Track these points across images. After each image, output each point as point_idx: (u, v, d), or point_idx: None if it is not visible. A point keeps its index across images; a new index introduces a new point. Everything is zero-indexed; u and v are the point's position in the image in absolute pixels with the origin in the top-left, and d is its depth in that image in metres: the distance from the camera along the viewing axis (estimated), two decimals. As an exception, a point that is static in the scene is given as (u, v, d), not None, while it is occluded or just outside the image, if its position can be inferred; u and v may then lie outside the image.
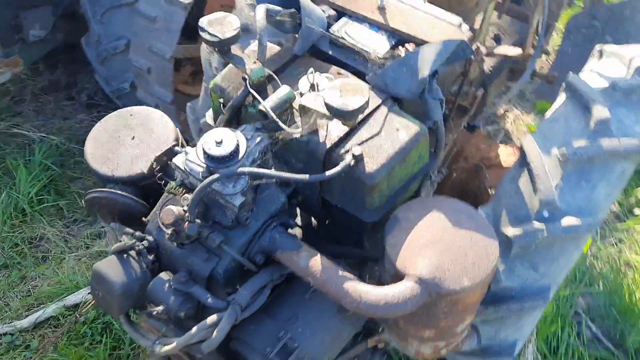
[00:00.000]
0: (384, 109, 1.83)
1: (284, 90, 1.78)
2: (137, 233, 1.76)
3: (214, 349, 1.61)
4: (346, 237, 2.00)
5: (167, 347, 1.64)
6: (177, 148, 1.90)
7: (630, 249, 3.57)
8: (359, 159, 1.69)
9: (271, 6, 1.97)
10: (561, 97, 2.25)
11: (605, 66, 2.32)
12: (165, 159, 1.87)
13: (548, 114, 2.27)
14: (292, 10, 1.98)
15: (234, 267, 1.70)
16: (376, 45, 1.99)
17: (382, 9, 2.07)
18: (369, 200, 1.77)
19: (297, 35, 2.02)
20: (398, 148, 1.75)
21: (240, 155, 1.63)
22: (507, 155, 2.76)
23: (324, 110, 1.64)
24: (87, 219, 3.55)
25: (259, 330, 1.72)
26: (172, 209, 1.61)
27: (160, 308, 1.64)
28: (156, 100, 3.41)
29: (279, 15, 1.96)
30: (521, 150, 2.18)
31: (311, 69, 1.87)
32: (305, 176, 1.66)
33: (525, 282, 2.06)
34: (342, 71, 1.95)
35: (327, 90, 1.64)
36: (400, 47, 1.98)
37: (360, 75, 1.93)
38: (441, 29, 2.04)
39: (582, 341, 3.11)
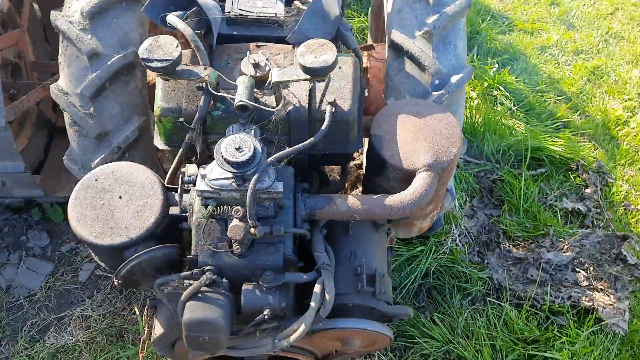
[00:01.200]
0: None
1: (244, 80, 1.88)
2: (194, 271, 1.79)
3: (329, 312, 1.84)
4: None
5: (295, 335, 1.80)
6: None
7: None
8: (334, 104, 1.96)
9: (177, 13, 1.97)
10: None
11: None
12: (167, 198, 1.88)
13: (389, 8, 2.73)
14: (194, 8, 2.01)
15: (294, 244, 1.89)
16: (272, 8, 2.15)
17: None
18: (352, 134, 2.07)
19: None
20: (351, 80, 2.04)
21: (260, 151, 1.76)
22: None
23: (303, 76, 1.83)
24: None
25: (338, 279, 1.97)
26: (238, 225, 1.71)
27: (267, 312, 1.77)
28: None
29: (185, 18, 1.97)
30: (392, 44, 2.63)
31: (247, 53, 1.99)
32: (312, 139, 1.87)
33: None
34: (260, 44, 2.10)
35: (298, 52, 1.78)
36: (293, 1, 2.18)
37: (278, 40, 2.10)
38: None
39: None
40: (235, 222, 1.71)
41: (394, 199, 1.91)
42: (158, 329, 2.18)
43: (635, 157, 4.07)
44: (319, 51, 1.79)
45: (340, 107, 1.97)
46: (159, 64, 1.77)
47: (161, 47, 1.78)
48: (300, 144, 1.83)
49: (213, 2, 2.10)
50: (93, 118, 2.51)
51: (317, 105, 1.97)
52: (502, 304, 3.10)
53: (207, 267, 1.79)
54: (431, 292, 3.21)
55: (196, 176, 1.80)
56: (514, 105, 4.23)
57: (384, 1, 2.80)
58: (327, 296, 1.80)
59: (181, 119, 1.95)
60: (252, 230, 1.72)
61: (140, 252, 1.77)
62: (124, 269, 1.79)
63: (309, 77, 1.81)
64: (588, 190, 3.80)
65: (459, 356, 2.94)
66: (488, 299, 3.18)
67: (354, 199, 1.93)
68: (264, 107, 1.85)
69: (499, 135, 3.91)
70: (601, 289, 3.27)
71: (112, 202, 1.85)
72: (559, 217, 3.62)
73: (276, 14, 2.13)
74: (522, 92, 4.37)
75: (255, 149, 1.73)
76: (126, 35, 2.58)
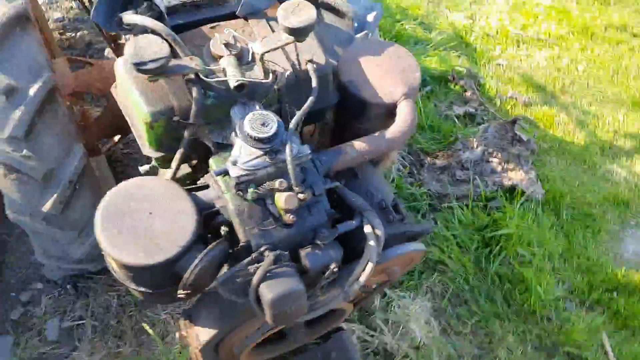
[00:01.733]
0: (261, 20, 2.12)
1: (229, 60, 1.87)
2: (254, 255, 1.80)
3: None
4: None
5: (365, 275, 1.90)
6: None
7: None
8: (313, 61, 2.04)
9: (129, 12, 1.86)
10: None
11: None
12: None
13: None
14: (145, 4, 1.90)
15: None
16: None
17: None
18: (330, 87, 2.17)
19: None
20: (315, 36, 2.13)
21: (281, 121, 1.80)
22: None
23: (286, 39, 1.86)
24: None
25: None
26: (291, 194, 1.75)
27: (333, 265, 1.85)
28: None
29: (141, 12, 1.87)
30: None
31: (206, 37, 1.95)
32: (312, 98, 1.94)
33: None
34: (214, 24, 2.06)
35: (280, 16, 1.82)
36: None
37: (228, 17, 2.09)
38: None
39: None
40: (285, 194, 1.75)
41: (393, 131, 2.08)
42: (203, 335, 2.14)
43: (489, 55, 4.71)
44: (298, 11, 1.85)
45: (318, 62, 2.06)
46: (154, 65, 1.68)
47: (147, 48, 1.70)
48: (305, 105, 1.90)
49: None
50: (32, 160, 2.28)
51: (299, 66, 2.04)
52: (452, 205, 3.50)
53: (264, 247, 1.81)
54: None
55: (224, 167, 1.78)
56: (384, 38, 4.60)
57: None
58: (378, 232, 1.94)
59: (176, 118, 1.88)
60: (301, 196, 1.78)
61: (202, 255, 1.73)
62: (190, 276, 1.73)
63: (292, 39, 1.87)
64: (468, 94, 4.34)
65: (434, 261, 3.28)
66: (436, 207, 3.56)
67: (359, 143, 2.06)
68: (260, 81, 1.87)
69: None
70: (512, 168, 3.84)
71: (144, 220, 1.75)
72: (458, 122, 4.11)
73: None
74: (383, 26, 4.74)
75: (278, 121, 1.77)
76: (35, 61, 2.35)
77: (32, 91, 2.26)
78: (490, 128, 4.03)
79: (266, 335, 2.27)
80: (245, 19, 2.10)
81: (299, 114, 1.88)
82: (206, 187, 1.93)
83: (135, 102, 1.90)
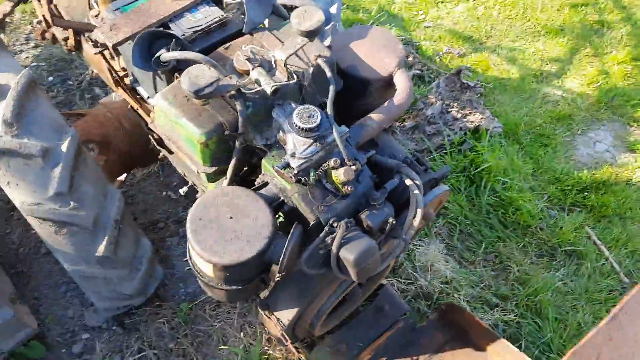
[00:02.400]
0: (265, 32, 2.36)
1: (259, 71, 2.10)
2: (326, 228, 2.06)
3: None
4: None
5: (417, 220, 2.20)
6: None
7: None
8: (321, 56, 2.31)
9: (162, 51, 2.05)
10: None
11: None
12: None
13: None
14: (172, 40, 2.09)
15: None
16: (212, 15, 2.32)
17: None
18: (335, 75, 2.45)
19: None
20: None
21: (323, 117, 2.06)
22: None
23: (302, 42, 2.12)
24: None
25: None
26: (347, 168, 2.02)
27: (391, 220, 2.15)
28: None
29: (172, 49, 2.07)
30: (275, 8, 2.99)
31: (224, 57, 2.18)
32: (333, 87, 2.20)
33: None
34: (226, 45, 2.28)
35: (294, 23, 2.07)
36: (222, 1, 2.37)
37: (235, 35, 2.31)
38: None
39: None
40: (342, 168, 2.02)
41: (399, 97, 2.40)
42: (285, 317, 2.39)
43: (416, 20, 5.13)
44: (308, 15, 2.11)
45: (325, 55, 2.33)
46: (210, 89, 1.90)
47: (200, 76, 1.91)
48: (331, 93, 2.17)
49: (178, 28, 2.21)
50: (79, 210, 2.41)
51: (311, 63, 2.30)
52: (433, 157, 3.89)
53: (332, 220, 2.08)
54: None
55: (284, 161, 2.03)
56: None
57: None
58: (417, 182, 2.26)
59: (227, 132, 2.09)
60: (354, 167, 2.06)
61: (289, 239, 1.97)
62: (284, 260, 1.97)
63: (307, 41, 2.14)
64: (410, 59, 4.74)
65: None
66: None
67: (376, 114, 2.36)
68: (293, 82, 2.12)
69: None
70: (469, 112, 4.28)
71: (228, 224, 1.97)
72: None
73: (219, 17, 2.33)
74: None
75: (320, 111, 2.04)
76: (55, 120, 2.47)
77: (64, 148, 2.38)
78: (441, 83, 4.44)
79: (336, 302, 2.55)
80: (251, 34, 2.33)
81: (329, 101, 2.14)
82: (265, 184, 2.17)
83: (186, 128, 2.09)
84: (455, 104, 4.31)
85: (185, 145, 2.20)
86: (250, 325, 3.12)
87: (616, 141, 4.25)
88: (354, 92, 2.57)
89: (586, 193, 3.87)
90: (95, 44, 2.22)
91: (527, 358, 2.48)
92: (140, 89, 2.58)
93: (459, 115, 4.24)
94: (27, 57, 4.36)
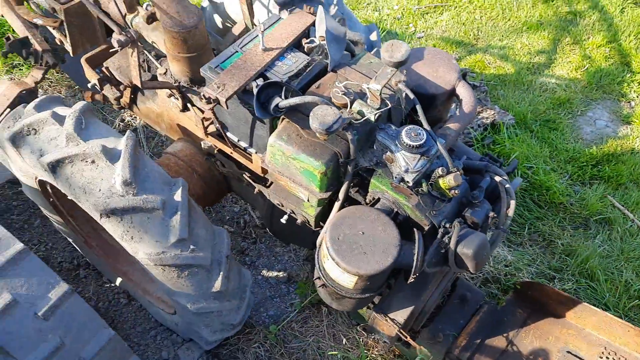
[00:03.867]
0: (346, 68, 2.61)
1: (359, 102, 2.33)
2: (440, 230, 2.32)
3: None
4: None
5: (511, 211, 2.48)
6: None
7: None
8: (402, 81, 2.55)
9: (278, 99, 2.26)
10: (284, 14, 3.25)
11: None
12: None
13: None
14: (284, 87, 2.30)
15: None
16: (300, 59, 2.54)
17: (267, 49, 2.53)
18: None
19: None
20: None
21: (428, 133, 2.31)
22: None
23: (391, 72, 2.37)
24: None
25: None
26: (454, 174, 2.28)
27: (492, 215, 2.42)
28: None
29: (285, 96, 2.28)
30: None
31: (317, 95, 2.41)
32: (419, 106, 2.46)
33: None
34: (317, 83, 2.51)
35: (387, 56, 2.32)
36: (305, 45, 2.59)
37: (321, 74, 2.54)
38: (292, 20, 2.67)
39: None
40: (451, 175, 2.28)
41: (467, 106, 2.68)
42: (400, 317, 2.63)
43: (409, 33, 5.47)
44: (395, 48, 2.37)
45: (403, 80, 2.60)
46: (337, 124, 2.12)
47: (326, 115, 2.13)
48: (420, 111, 2.43)
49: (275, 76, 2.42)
50: (198, 252, 2.57)
51: (395, 88, 2.55)
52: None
53: (444, 222, 2.34)
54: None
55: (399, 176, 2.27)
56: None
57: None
58: (505, 177, 2.54)
59: (342, 160, 2.32)
60: (459, 173, 2.32)
61: (417, 246, 2.22)
62: (417, 264, 2.21)
63: (396, 70, 2.39)
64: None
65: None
66: (450, 162, 4.24)
67: (453, 124, 2.63)
68: (391, 106, 2.37)
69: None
70: (481, 110, 4.62)
71: (363, 240, 2.20)
72: (422, 93, 4.81)
73: (306, 60, 2.55)
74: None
75: (424, 129, 2.29)
76: (160, 174, 2.63)
77: (177, 197, 2.54)
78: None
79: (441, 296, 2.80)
80: (334, 71, 2.57)
81: (422, 118, 2.40)
82: (377, 200, 2.41)
83: (305, 162, 2.30)
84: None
85: (301, 177, 2.41)
86: (343, 333, 3.32)
87: (612, 116, 4.68)
88: (423, 106, 2.84)
89: (600, 167, 4.26)
90: (208, 100, 2.40)
91: (610, 315, 2.79)
92: (230, 135, 2.77)
93: (473, 114, 4.57)
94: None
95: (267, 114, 2.32)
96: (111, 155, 2.48)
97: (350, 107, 2.35)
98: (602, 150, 4.38)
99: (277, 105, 2.28)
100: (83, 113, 2.59)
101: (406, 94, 2.46)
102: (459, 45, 5.30)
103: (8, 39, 4.23)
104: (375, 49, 3.29)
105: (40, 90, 4.41)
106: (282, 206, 2.80)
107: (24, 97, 3.67)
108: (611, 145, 4.42)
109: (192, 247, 2.56)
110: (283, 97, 2.31)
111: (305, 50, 2.65)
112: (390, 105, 2.40)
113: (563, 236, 3.82)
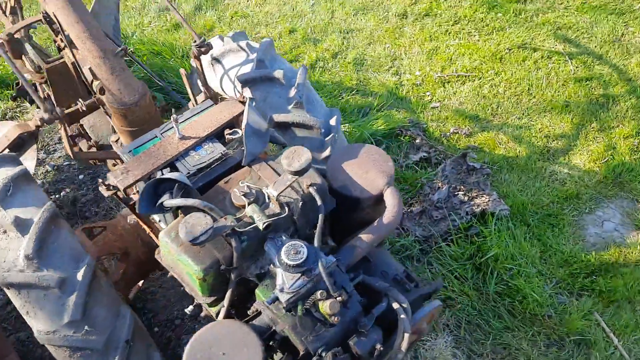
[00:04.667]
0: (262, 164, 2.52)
1: (253, 208, 2.24)
2: (314, 358, 2.14)
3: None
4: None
5: (405, 343, 2.26)
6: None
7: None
8: (313, 184, 2.44)
9: (165, 197, 2.22)
10: (247, 92, 3.22)
11: (231, 61, 3.35)
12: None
13: (256, 99, 3.25)
14: (175, 186, 2.27)
15: None
16: (215, 150, 2.50)
17: (183, 137, 2.51)
18: (328, 196, 2.57)
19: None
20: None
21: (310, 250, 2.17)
22: None
23: (292, 179, 2.26)
24: None
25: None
26: (332, 301, 2.11)
27: (379, 346, 2.20)
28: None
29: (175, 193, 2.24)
30: (278, 124, 3.17)
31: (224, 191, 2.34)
32: (322, 215, 2.32)
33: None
34: (226, 178, 2.45)
35: (285, 164, 2.22)
36: (227, 136, 2.56)
37: (235, 168, 2.48)
38: (220, 109, 2.66)
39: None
40: (328, 301, 2.11)
41: (388, 216, 2.49)
42: None
43: (424, 102, 5.26)
44: (297, 155, 2.26)
45: (317, 183, 2.47)
46: (205, 236, 2.04)
47: (196, 225, 2.06)
48: (320, 222, 2.29)
49: (178, 174, 2.39)
50: (92, 334, 2.55)
51: (302, 192, 2.43)
52: (439, 244, 3.93)
53: (320, 350, 2.16)
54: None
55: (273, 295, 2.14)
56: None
57: (242, 92, 3.28)
58: (404, 305, 2.32)
59: (223, 267, 2.23)
60: (339, 299, 2.14)
61: None
62: None
63: (297, 177, 2.28)
64: (418, 141, 4.85)
65: (442, 299, 3.68)
66: (426, 250, 3.98)
67: (365, 235, 2.46)
68: (282, 216, 2.25)
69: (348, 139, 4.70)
70: (476, 195, 4.32)
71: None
72: (418, 169, 4.59)
73: (221, 153, 2.50)
74: (330, 103, 5.24)
75: (305, 245, 2.15)
76: (72, 249, 2.64)
77: (79, 276, 2.55)
78: (447, 166, 4.52)
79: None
80: (250, 166, 2.49)
81: (318, 232, 2.26)
82: (259, 313, 2.28)
83: (186, 264, 2.23)
84: (462, 187, 4.36)
85: (186, 277, 2.34)
86: None
87: (625, 219, 4.19)
88: (347, 208, 2.69)
89: (594, 277, 3.81)
90: (108, 186, 2.41)
91: None
92: (154, 215, 2.76)
93: (466, 199, 4.28)
94: (59, 156, 4.68)
95: (153, 209, 2.27)
96: (23, 227, 2.53)
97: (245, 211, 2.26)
98: (601, 257, 3.93)
99: (162, 203, 2.24)
100: (15, 179, 2.67)
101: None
102: (474, 119, 5.02)
103: (17, 84, 4.53)
104: (331, 135, 3.16)
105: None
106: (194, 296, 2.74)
107: (25, 138, 3.89)
108: (614, 253, 3.95)
109: (86, 328, 2.55)
110: (174, 194, 2.27)
111: (226, 141, 2.60)
112: (285, 214, 2.28)
113: (532, 353, 3.44)
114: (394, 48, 5.85)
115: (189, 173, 2.45)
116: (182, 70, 3.15)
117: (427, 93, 5.33)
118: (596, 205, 4.29)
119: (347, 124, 4.95)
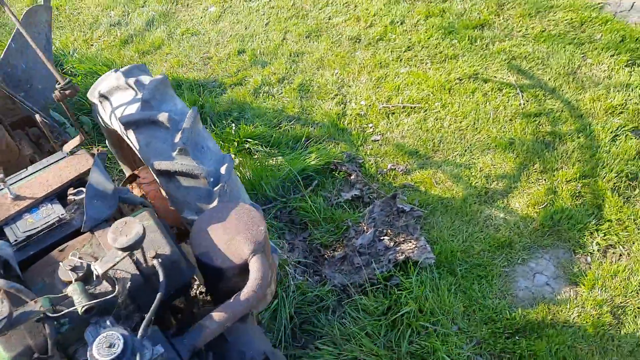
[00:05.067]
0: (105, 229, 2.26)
1: (74, 287, 1.97)
2: None
3: None
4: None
5: None
6: None
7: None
8: (157, 256, 2.18)
9: None
10: (130, 134, 2.98)
11: (119, 99, 3.10)
12: None
13: (137, 144, 3.00)
14: None
15: None
16: (54, 213, 2.24)
17: (18, 197, 2.25)
18: (182, 265, 2.30)
19: None
20: (157, 228, 2.28)
21: (128, 335, 1.90)
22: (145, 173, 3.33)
23: (122, 256, 2.00)
24: None
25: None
26: None
27: None
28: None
29: None
30: (159, 172, 2.91)
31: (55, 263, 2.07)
32: (160, 295, 2.06)
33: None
34: (61, 246, 2.19)
35: (110, 239, 1.97)
36: (67, 198, 2.30)
37: (75, 234, 2.22)
38: (66, 164, 2.41)
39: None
40: None
41: (247, 291, 2.22)
42: None
43: (364, 134, 5.00)
44: (126, 229, 2.00)
45: (164, 254, 2.21)
46: None
47: None
48: (154, 305, 2.03)
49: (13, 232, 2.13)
50: None
51: (144, 265, 2.17)
52: (354, 297, 3.66)
53: None
54: (303, 326, 3.62)
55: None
56: (266, 147, 4.82)
57: (128, 139, 3.06)
58: None
59: (35, 356, 1.96)
60: None
61: None
62: None
63: (125, 253, 2.01)
64: (352, 177, 4.59)
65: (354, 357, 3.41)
66: (342, 301, 3.71)
67: (217, 313, 2.19)
68: (106, 298, 1.99)
69: (271, 175, 4.45)
70: (403, 240, 4.05)
71: None
72: (348, 209, 4.33)
73: (59, 216, 2.24)
74: (264, 133, 4.98)
75: (123, 336, 1.88)
76: None
77: None
78: (376, 208, 4.26)
79: None
80: (92, 232, 2.23)
81: (148, 316, 1.99)
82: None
83: None
84: (389, 231, 4.10)
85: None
86: None
87: (559, 272, 3.93)
88: (212, 278, 2.43)
89: (517, 337, 3.54)
90: None
91: None
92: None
93: (392, 244, 4.02)
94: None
95: None
96: None
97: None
98: (527, 316, 3.66)
99: None
100: None
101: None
102: (414, 155, 4.76)
103: None
104: (220, 185, 2.90)
105: None
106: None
107: None
108: (541, 311, 3.68)
109: None
110: None
111: (67, 202, 2.34)
112: (112, 294, 2.01)
113: (440, 423, 3.17)
114: (343, 74, 5.60)
115: (16, 241, 2.19)
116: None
117: (370, 125, 5.08)
118: (530, 255, 4.02)
119: (280, 157, 4.69)
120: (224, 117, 5.19)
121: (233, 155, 4.73)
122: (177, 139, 2.89)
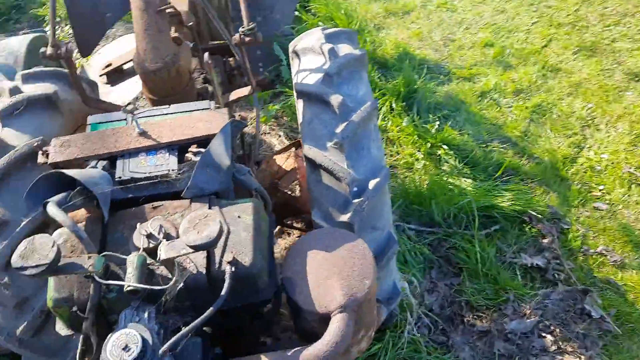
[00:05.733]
0: (215, 210, 1.93)
1: (133, 260, 1.73)
2: None
3: None
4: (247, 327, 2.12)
5: None
6: None
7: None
8: (234, 262, 1.81)
9: (59, 197, 1.84)
10: (300, 104, 2.61)
11: (308, 63, 2.73)
12: None
13: (300, 117, 2.62)
14: (77, 188, 1.87)
15: None
16: (164, 165, 2.02)
17: (143, 133, 2.08)
18: (261, 283, 1.91)
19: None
20: (252, 229, 1.90)
21: (151, 341, 1.60)
22: (284, 160, 3.06)
23: (189, 250, 1.68)
24: None
25: None
26: None
27: None
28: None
29: (69, 200, 1.84)
30: (306, 158, 2.51)
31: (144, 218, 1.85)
32: (210, 311, 1.71)
33: (376, 242, 2.49)
34: (156, 203, 1.96)
35: (182, 229, 1.67)
36: (186, 154, 2.06)
37: (174, 196, 1.97)
38: (201, 118, 2.16)
39: None
40: None
41: (310, 353, 1.75)
42: None
43: (587, 195, 3.91)
44: (201, 224, 1.65)
45: (241, 262, 1.82)
46: (35, 270, 1.60)
47: (36, 250, 1.63)
48: (197, 320, 1.67)
49: (100, 172, 1.97)
50: (9, 288, 2.36)
51: (217, 266, 1.82)
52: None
53: None
54: (398, 386, 3.02)
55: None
56: (460, 162, 4.09)
57: (297, 107, 2.71)
58: None
59: (75, 309, 1.79)
60: None
61: None
62: None
63: (193, 250, 1.67)
64: (545, 241, 3.63)
65: None
66: (457, 383, 2.99)
67: (266, 357, 1.77)
68: (153, 288, 1.69)
69: (447, 198, 3.76)
70: (571, 350, 3.08)
71: None
72: (519, 277, 3.45)
73: (168, 172, 1.99)
74: (466, 146, 4.23)
75: (144, 341, 1.57)
76: None
77: (21, 225, 2.36)
78: (555, 294, 3.30)
79: None
80: (191, 201, 1.95)
81: (180, 334, 1.65)
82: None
83: (49, 283, 1.84)
84: (558, 331, 3.17)
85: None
86: None
87: None
88: (290, 310, 2.00)
89: None
90: (45, 153, 2.10)
91: None
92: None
93: (553, 348, 3.10)
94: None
95: (35, 204, 1.87)
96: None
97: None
98: None
99: (46, 204, 1.84)
100: None
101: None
102: (639, 248, 3.57)
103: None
104: (361, 199, 2.40)
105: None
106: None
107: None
108: None
109: (6, 279, 2.39)
110: (69, 198, 1.85)
111: (185, 159, 2.07)
112: (159, 287, 1.70)
113: None
114: (596, 112, 4.44)
115: (119, 178, 2.00)
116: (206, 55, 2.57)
117: (601, 187, 3.94)
118: None
119: (469, 180, 3.94)
120: (432, 110, 4.54)
121: (421, 156, 4.12)
122: (339, 129, 2.44)
